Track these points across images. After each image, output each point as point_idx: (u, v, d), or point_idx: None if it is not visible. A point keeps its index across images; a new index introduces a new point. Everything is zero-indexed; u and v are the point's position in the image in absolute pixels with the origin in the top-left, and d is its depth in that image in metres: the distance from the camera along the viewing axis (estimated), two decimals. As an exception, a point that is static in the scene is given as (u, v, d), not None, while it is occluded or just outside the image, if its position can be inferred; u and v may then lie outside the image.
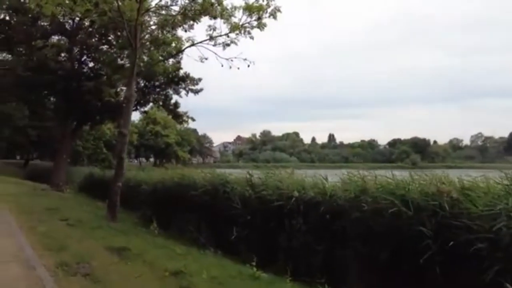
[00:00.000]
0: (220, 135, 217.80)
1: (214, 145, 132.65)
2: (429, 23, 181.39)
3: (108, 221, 10.46)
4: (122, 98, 22.77)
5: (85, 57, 20.71)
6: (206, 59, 11.88)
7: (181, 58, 20.49)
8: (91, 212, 11.52)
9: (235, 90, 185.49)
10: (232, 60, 11.59)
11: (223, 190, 9.81)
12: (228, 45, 11.35)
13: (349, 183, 7.53)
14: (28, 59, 19.06)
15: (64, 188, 18.43)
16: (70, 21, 20.38)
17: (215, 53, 11.60)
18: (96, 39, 18.47)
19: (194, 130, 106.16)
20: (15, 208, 10.04)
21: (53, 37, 20.55)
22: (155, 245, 6.82)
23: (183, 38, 11.28)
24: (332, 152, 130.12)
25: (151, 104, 23.14)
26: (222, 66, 11.65)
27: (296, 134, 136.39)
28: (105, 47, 20.43)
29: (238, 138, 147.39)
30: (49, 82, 18.21)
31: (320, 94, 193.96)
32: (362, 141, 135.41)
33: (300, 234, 7.63)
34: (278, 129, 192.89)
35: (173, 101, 23.31)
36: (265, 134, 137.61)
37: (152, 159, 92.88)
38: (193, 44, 11.28)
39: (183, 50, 11.43)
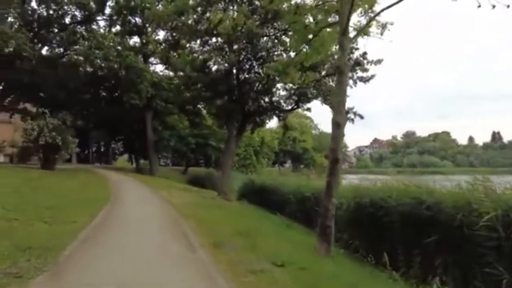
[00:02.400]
0: (354, 138, 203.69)
1: (349, 149, 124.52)
2: None
3: (321, 255, 6.80)
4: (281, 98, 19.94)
5: (243, 54, 18.64)
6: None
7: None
8: (287, 238, 8.12)
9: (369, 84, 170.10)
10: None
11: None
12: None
13: None
14: (193, 61, 18.02)
15: (230, 197, 16.41)
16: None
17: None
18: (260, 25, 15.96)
19: (328, 135, 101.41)
20: (199, 229, 7.39)
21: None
22: None
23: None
24: (498, 154, 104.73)
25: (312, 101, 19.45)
26: (494, 7, 6.68)
27: (447, 133, 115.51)
28: (265, 39, 18.02)
29: (375, 141, 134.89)
30: (213, 80, 16.71)
31: (476, 84, 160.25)
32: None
33: None
34: (423, 129, 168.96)
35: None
36: (409, 135, 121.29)
37: (287, 165, 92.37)
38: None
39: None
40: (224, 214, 10.36)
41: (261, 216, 12.66)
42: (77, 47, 24.37)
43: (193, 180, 38.02)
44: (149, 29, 33.73)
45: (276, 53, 18.63)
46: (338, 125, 6.99)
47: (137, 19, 33.30)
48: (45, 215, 8.03)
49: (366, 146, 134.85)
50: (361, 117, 19.64)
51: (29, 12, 26.78)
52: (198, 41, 18.96)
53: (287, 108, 19.35)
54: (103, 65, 24.30)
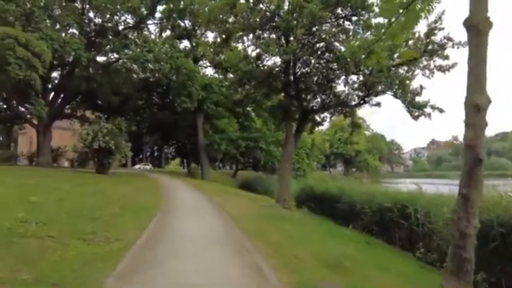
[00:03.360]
0: (409, 139, 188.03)
1: (404, 151, 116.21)
2: None
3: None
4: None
5: (300, 45, 16.58)
6: None
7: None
8: (390, 268, 5.89)
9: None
10: None
11: None
12: None
13: None
14: (246, 57, 16.41)
15: (290, 205, 14.38)
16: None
17: None
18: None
19: (382, 136, 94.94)
20: (273, 255, 5.45)
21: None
22: None
23: None
24: None
25: (382, 94, 16.73)
26: None
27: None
28: (324, 28, 15.85)
29: (433, 142, 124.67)
30: (269, 75, 14.94)
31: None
32: None
33: None
34: (489, 128, 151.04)
35: (412, 86, 16.27)
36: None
37: (339, 168, 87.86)
38: None
39: None
40: (293, 229, 8.35)
41: (334, 231, 10.46)
42: (129, 51, 24.08)
43: (243, 184, 36.66)
44: (198, 32, 33.19)
45: (337, 42, 16.35)
46: (477, 109, 4.65)
47: (186, 22, 32.89)
48: (86, 230, 6.66)
49: (423, 148, 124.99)
50: (441, 110, 16.48)
51: (86, 21, 27.29)
52: (251, 35, 17.31)
53: (352, 103, 16.84)
54: (154, 67, 23.74)
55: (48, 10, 20.55)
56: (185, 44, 34.84)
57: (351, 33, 16.33)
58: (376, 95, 16.78)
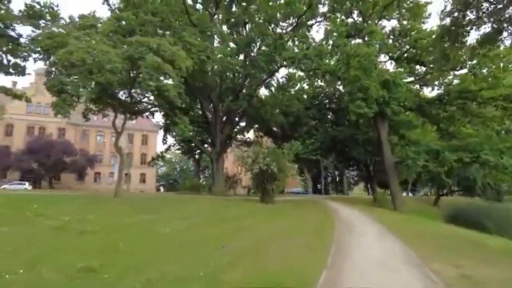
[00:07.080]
0: None
1: None
2: None
3: None
4: None
5: None
6: None
7: None
8: None
9: None
10: None
11: None
12: None
13: None
14: None
15: None
16: None
17: None
18: None
19: None
20: None
21: None
22: None
23: None
24: None
25: None
26: None
27: None
28: None
29: None
30: None
31: None
32: None
33: None
34: None
35: None
36: None
37: None
38: None
39: None
40: None
41: None
42: (285, 52, 19.45)
43: (454, 217, 24.35)
44: (370, 22, 25.74)
45: None
46: None
47: (354, 17, 26.24)
48: None
49: None
50: None
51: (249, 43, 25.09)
52: None
53: None
54: (315, 65, 18.05)
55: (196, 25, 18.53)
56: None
57: None
58: None
